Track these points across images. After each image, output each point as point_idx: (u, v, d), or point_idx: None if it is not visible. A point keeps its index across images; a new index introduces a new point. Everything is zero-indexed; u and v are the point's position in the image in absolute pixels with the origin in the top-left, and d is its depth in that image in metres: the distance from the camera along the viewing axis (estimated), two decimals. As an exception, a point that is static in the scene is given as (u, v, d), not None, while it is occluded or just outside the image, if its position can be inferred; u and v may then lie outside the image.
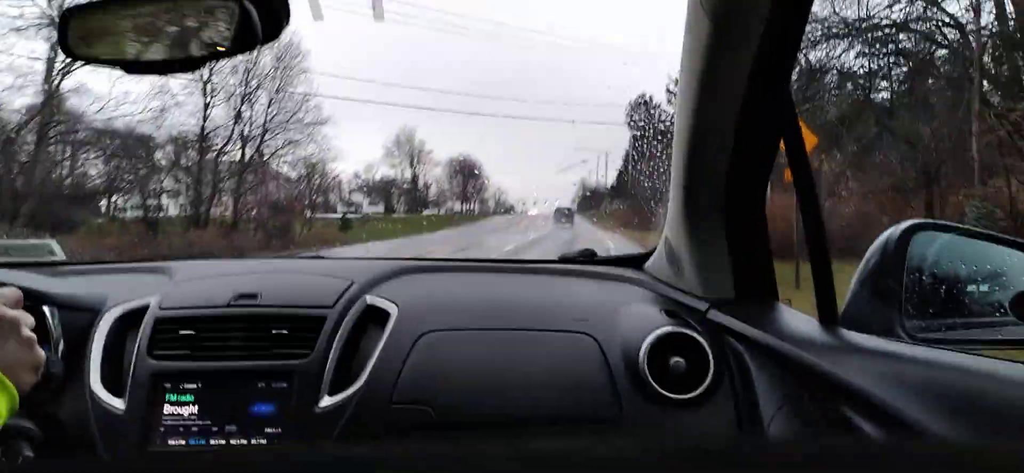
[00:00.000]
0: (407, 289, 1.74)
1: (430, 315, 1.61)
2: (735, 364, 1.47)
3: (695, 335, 1.49)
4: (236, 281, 1.69)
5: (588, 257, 2.12)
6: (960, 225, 1.36)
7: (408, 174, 40.27)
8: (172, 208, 20.99)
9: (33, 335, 1.05)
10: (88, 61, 0.86)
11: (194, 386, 1.49)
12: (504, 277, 1.99)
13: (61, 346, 1.51)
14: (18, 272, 1.65)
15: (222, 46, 0.78)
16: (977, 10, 11.45)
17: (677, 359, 1.47)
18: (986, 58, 11.95)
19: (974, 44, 12.06)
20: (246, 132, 21.20)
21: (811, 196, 1.30)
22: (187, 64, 0.81)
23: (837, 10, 12.53)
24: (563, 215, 31.56)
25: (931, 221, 1.31)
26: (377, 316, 1.62)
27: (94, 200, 19.20)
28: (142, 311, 1.58)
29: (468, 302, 1.73)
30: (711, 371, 1.46)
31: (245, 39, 0.76)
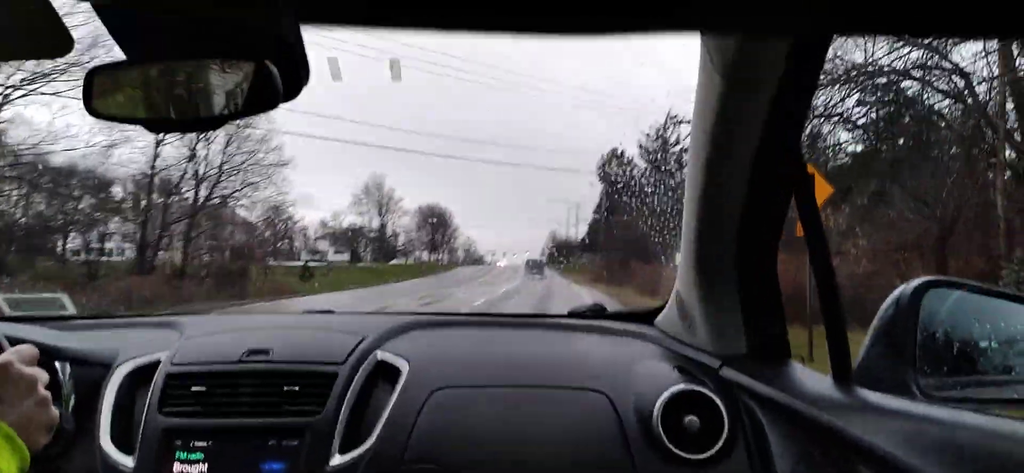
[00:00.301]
0: (418, 345, 1.74)
1: (442, 372, 1.61)
2: (749, 422, 1.46)
3: (709, 393, 1.47)
4: (247, 336, 1.69)
5: (598, 312, 2.11)
6: (972, 282, 1.35)
7: (376, 223, 39.87)
8: (117, 252, 19.99)
9: (48, 394, 1.06)
10: (112, 119, 0.88)
11: (205, 443, 1.48)
12: (515, 332, 1.98)
13: (72, 401, 1.51)
14: (31, 327, 1.66)
15: (243, 104, 0.80)
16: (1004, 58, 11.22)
17: (691, 417, 1.46)
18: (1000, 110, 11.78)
19: (989, 95, 11.90)
20: (201, 172, 20.03)
21: (823, 252, 1.30)
22: (209, 122, 0.83)
23: (839, 54, 12.39)
24: (534, 267, 32.97)
25: (944, 278, 1.30)
26: (388, 372, 1.62)
27: (31, 241, 18.23)
28: (153, 366, 1.59)
29: (480, 358, 1.72)
30: (726, 430, 1.44)
31: (266, 97, 0.78)
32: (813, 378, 1.36)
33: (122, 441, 1.48)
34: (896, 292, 1.26)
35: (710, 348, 1.64)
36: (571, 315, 2.13)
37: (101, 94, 0.87)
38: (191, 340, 1.71)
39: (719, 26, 0.33)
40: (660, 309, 1.95)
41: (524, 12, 0.28)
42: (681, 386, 1.49)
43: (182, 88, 0.84)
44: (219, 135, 19.63)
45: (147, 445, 1.47)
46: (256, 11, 0.34)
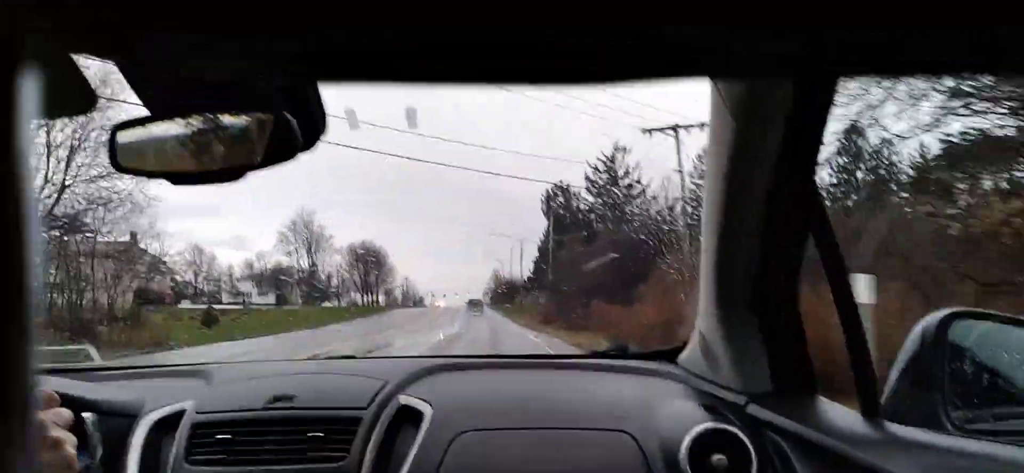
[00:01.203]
0: (440, 388, 1.73)
1: (465, 415, 1.60)
2: (778, 459, 1.43)
3: (736, 431, 1.45)
4: (272, 383, 1.70)
5: (621, 351, 2.10)
6: (997, 313, 1.33)
7: (305, 262, 38.02)
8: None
9: (74, 454, 1.07)
10: (136, 174, 0.90)
11: None
12: (537, 374, 1.97)
13: (99, 453, 1.52)
14: (59, 378, 1.68)
15: (263, 156, 0.81)
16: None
17: (719, 456, 1.43)
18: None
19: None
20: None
21: (844, 285, 1.29)
22: (230, 173, 0.84)
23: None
24: (474, 305, 34.38)
25: (968, 309, 1.28)
26: (411, 416, 1.61)
27: None
28: (179, 416, 1.60)
29: (503, 401, 1.71)
30: (754, 467, 1.42)
31: (286, 148, 0.79)
32: (841, 413, 1.34)
33: None
34: (920, 324, 1.24)
35: (735, 386, 1.62)
36: (594, 355, 2.12)
37: (125, 149, 0.89)
38: (216, 388, 1.72)
39: (727, 72, 0.34)
40: (682, 347, 1.93)
41: (535, 64, 0.29)
42: (708, 424, 1.47)
43: (204, 141, 0.85)
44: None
45: None
46: (276, 71, 0.35)
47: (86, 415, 1.52)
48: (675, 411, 1.59)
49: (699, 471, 1.43)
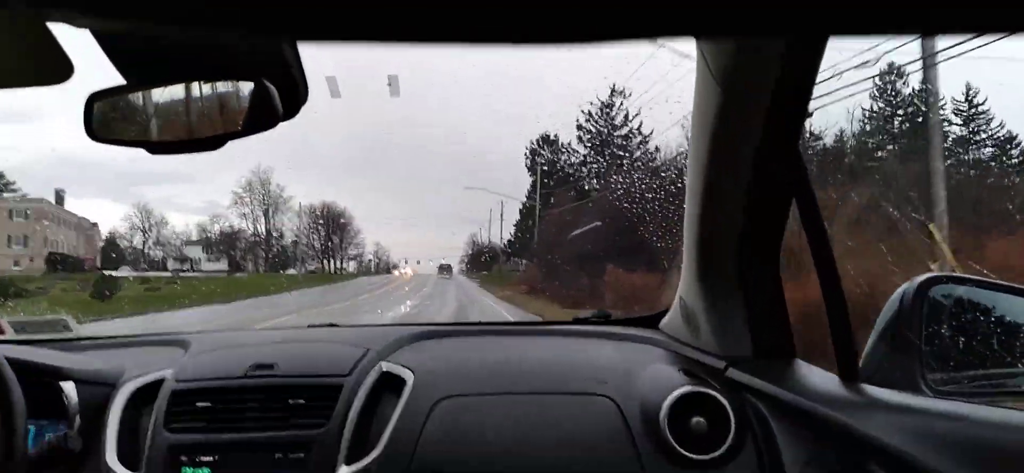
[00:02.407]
0: (423, 355, 1.74)
1: (446, 381, 1.61)
2: (757, 422, 1.45)
3: (715, 394, 1.47)
4: (252, 351, 1.69)
5: (603, 318, 2.11)
6: (975, 277, 1.35)
7: (262, 226, 34.29)
8: None
9: None
10: (113, 143, 0.88)
11: (211, 459, 1.48)
12: (519, 340, 1.98)
13: (78, 421, 1.51)
14: (36, 349, 1.66)
15: (243, 124, 0.80)
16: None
17: (698, 419, 1.45)
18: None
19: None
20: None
21: (825, 252, 1.30)
22: (209, 142, 0.83)
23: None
24: (444, 269, 34.02)
25: (946, 274, 1.30)
26: (393, 383, 1.62)
27: None
28: (158, 384, 1.59)
29: (484, 367, 1.72)
30: (733, 430, 1.44)
31: (265, 116, 0.78)
32: (820, 376, 1.36)
33: (129, 459, 1.49)
34: (900, 289, 1.26)
35: (715, 350, 1.64)
36: (576, 322, 2.13)
37: (102, 119, 0.87)
38: (196, 357, 1.71)
39: (713, 30, 0.33)
40: (664, 313, 1.95)
41: (518, 23, 0.28)
42: (687, 388, 1.48)
43: (182, 109, 0.84)
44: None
45: (153, 462, 1.48)
46: (254, 32, 0.34)
47: (64, 384, 1.52)
48: (655, 375, 1.61)
49: (679, 434, 1.45)
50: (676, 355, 1.74)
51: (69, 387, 1.52)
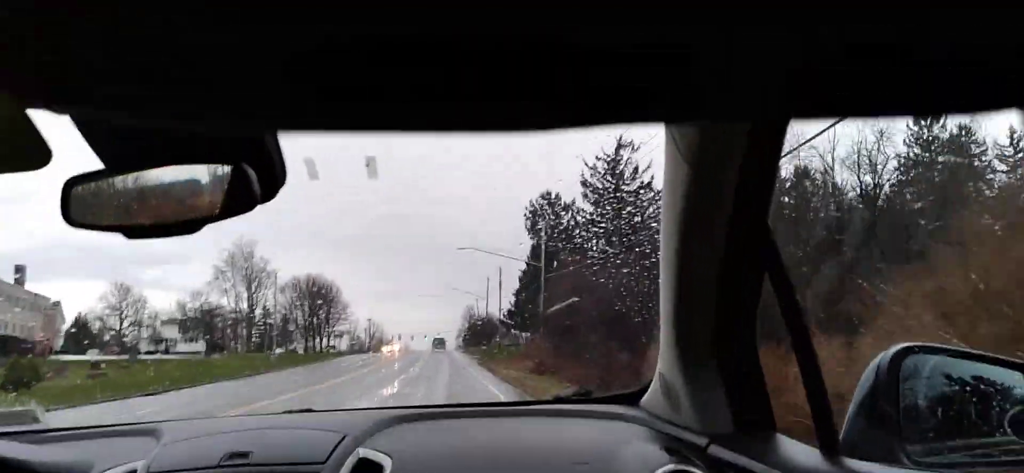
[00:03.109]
0: (400, 440, 1.71)
1: (425, 467, 1.58)
2: None
3: (698, 472, 1.46)
4: (226, 440, 1.66)
5: (583, 396, 2.10)
6: (948, 346, 1.37)
7: (244, 302, 32.26)
8: None
9: None
10: (90, 228, 0.88)
11: None
12: (498, 422, 1.96)
13: None
14: (3, 442, 1.62)
15: (221, 208, 0.80)
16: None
17: None
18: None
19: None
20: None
21: (800, 326, 1.31)
22: (186, 226, 0.83)
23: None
24: (438, 344, 33.94)
25: (920, 344, 1.32)
26: (371, 469, 1.58)
27: None
28: None
29: (464, 452, 1.69)
30: None
31: (243, 200, 0.79)
32: (801, 451, 1.36)
33: None
34: (875, 361, 1.27)
35: (696, 427, 1.63)
36: (556, 400, 2.11)
37: (78, 203, 0.87)
38: (168, 446, 1.67)
39: (680, 116, 0.35)
40: (644, 390, 1.94)
41: (496, 112, 0.29)
42: (670, 467, 1.47)
43: (159, 194, 0.84)
44: None
45: None
46: (233, 120, 0.35)
47: None
48: (637, 454, 1.59)
49: None
50: (657, 433, 1.73)
51: None
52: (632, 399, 1.98)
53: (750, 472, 1.41)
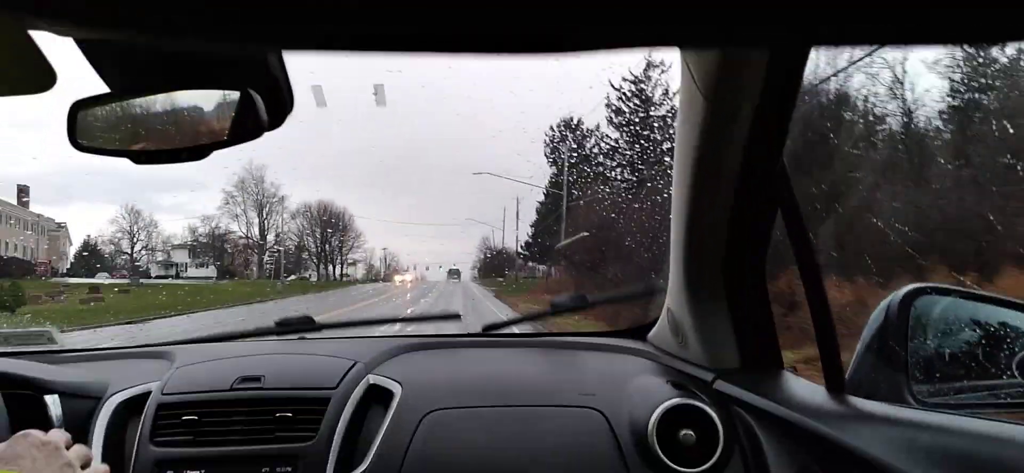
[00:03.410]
0: (410, 368, 1.73)
1: (434, 394, 1.60)
2: (745, 435, 1.45)
3: (703, 406, 1.47)
4: (239, 363, 1.68)
5: (580, 301, 2.06)
6: (960, 287, 1.36)
7: (255, 228, 31.56)
8: None
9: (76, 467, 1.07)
10: (96, 152, 0.87)
11: (197, 472, 1.47)
12: (507, 352, 1.97)
13: None
14: (19, 360, 1.64)
15: (228, 134, 0.79)
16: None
17: (686, 431, 1.45)
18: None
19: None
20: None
21: (811, 263, 1.31)
22: (194, 153, 0.82)
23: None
24: (453, 274, 33.63)
25: (932, 285, 1.31)
26: (381, 396, 1.61)
27: None
28: (144, 397, 1.57)
29: (472, 379, 1.71)
30: (721, 443, 1.44)
31: (251, 126, 0.78)
32: (807, 388, 1.36)
33: None
34: (885, 300, 1.26)
35: (703, 362, 1.64)
36: (554, 306, 2.07)
37: (85, 127, 0.87)
38: (182, 369, 1.69)
39: (696, 41, 0.33)
40: (652, 324, 1.95)
41: (504, 33, 0.28)
42: (675, 400, 1.48)
43: (166, 119, 0.83)
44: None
45: None
46: (240, 41, 0.34)
47: (48, 397, 1.50)
48: (644, 387, 1.60)
49: (667, 446, 1.45)
50: (664, 367, 1.74)
51: (53, 400, 1.50)
52: (640, 332, 1.99)
53: (755, 408, 1.42)
